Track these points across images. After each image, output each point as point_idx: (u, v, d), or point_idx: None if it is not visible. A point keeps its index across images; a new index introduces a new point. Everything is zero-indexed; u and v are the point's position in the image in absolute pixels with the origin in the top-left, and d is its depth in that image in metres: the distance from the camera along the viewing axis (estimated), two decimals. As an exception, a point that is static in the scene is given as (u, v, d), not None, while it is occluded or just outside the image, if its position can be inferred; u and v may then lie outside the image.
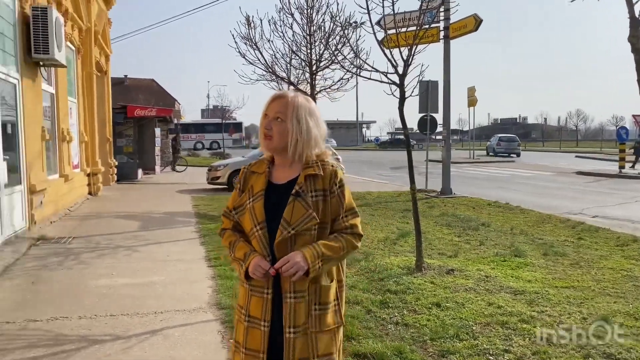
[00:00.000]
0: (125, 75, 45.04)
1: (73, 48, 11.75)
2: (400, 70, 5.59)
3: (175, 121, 33.31)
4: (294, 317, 1.87)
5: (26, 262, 6.17)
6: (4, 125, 7.02)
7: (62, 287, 5.21)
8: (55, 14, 8.16)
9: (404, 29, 5.97)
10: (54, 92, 9.90)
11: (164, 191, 14.82)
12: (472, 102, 28.56)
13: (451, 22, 13.14)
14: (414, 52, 5.57)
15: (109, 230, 8.42)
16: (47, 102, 9.57)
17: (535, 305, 4.51)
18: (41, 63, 8.44)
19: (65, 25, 9.42)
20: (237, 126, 55.85)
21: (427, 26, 6.56)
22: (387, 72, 5.67)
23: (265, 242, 1.90)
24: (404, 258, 6.24)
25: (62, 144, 10.24)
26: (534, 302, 4.61)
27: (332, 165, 1.97)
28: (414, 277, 5.36)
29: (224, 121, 42.41)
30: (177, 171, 22.64)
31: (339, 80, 9.11)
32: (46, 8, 8.03)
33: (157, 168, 20.34)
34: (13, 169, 7.31)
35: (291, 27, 8.82)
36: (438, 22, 13.02)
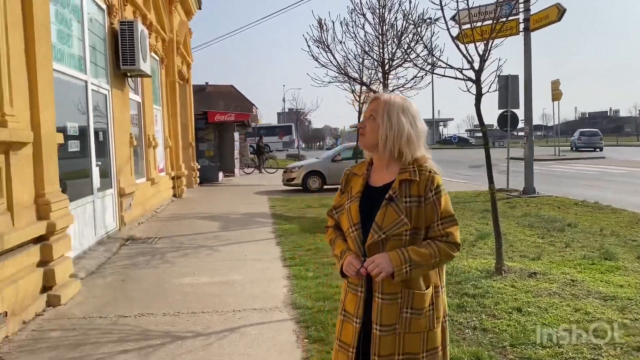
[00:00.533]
0: (207, 82, 46.98)
1: (157, 58, 12.43)
2: (476, 65, 5.41)
3: (253, 125, 34.27)
4: (381, 316, 1.91)
5: (117, 261, 6.60)
6: (97, 133, 7.55)
7: (149, 285, 5.52)
8: (140, 27, 8.67)
9: (479, 23, 5.77)
10: (140, 100, 10.52)
11: (243, 193, 15.30)
12: (556, 96, 27.08)
13: (531, 13, 12.52)
14: (491, 47, 5.37)
15: (192, 230, 8.82)
16: (134, 110, 10.18)
17: (628, 312, 4.20)
18: (128, 74, 9.00)
19: (149, 37, 9.99)
20: (287, 129, 56.52)
21: (504, 19, 6.29)
22: (462, 69, 5.50)
23: (360, 242, 1.97)
24: (483, 260, 6.03)
25: (149, 149, 10.86)
26: (626, 308, 4.29)
27: (430, 171, 1.98)
28: (494, 280, 5.16)
29: (274, 125, 43.13)
30: (268, 172, 22.98)
31: (412, 79, 8.97)
32: (132, 22, 8.55)
33: (236, 170, 21.03)
34: (104, 174, 7.85)
35: (363, 27, 8.81)
36: (517, 14, 12.45)
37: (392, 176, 1.99)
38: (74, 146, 6.67)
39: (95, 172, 7.42)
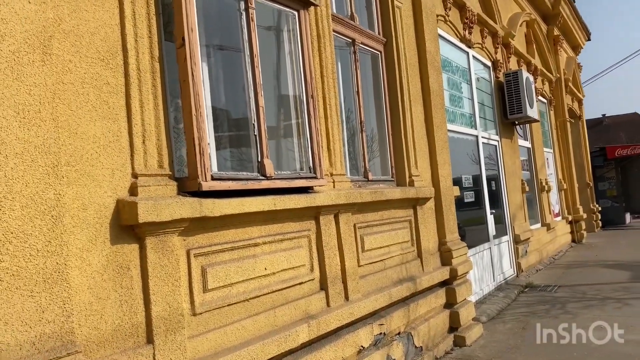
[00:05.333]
0: (603, 115, 42.97)
1: (545, 101, 12.25)
2: None
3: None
4: None
5: (516, 308, 6.64)
6: (489, 182, 7.96)
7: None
8: (524, 75, 8.81)
9: None
10: (529, 146, 10.53)
11: (659, 237, 13.04)
12: None
13: None
14: None
15: (595, 279, 8.06)
16: (524, 155, 10.24)
17: None
18: (516, 122, 9.19)
19: (535, 82, 10.00)
20: None
21: None
22: None
23: None
24: None
25: (541, 194, 10.64)
26: None
27: None
28: None
29: None
30: None
31: None
32: (517, 72, 8.78)
33: (648, 211, 18.16)
34: (498, 221, 8.13)
35: None
36: None
37: None
38: (469, 196, 7.22)
39: (490, 219, 7.78)
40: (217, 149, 3.37)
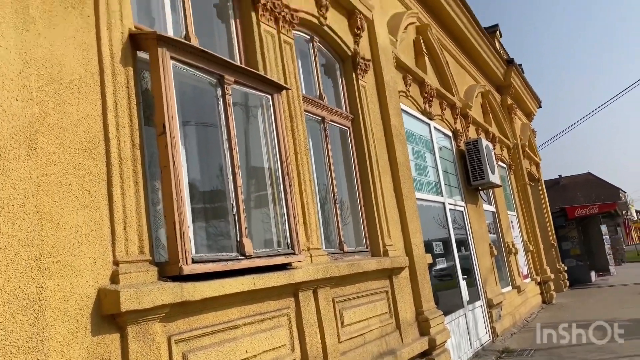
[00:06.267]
0: (559, 175, 44.87)
1: (504, 165, 12.76)
2: None
3: (623, 213, 30.21)
4: None
5: (495, 375, 6.59)
6: (459, 247, 8.10)
7: (531, 402, 5.30)
8: (484, 142, 9.23)
9: None
10: (494, 210, 10.84)
11: (624, 294, 13.31)
12: None
13: None
14: None
15: (569, 341, 8.11)
16: (490, 219, 10.51)
17: None
18: (480, 188, 9.51)
19: (494, 149, 10.46)
20: None
21: None
22: None
23: None
24: None
25: (509, 256, 10.85)
26: None
27: None
28: None
29: None
30: None
31: None
32: (477, 140, 9.20)
33: (611, 268, 18.63)
34: (470, 285, 8.20)
35: None
36: None
37: None
38: (440, 262, 7.31)
39: (463, 285, 7.84)
40: (194, 221, 3.38)
